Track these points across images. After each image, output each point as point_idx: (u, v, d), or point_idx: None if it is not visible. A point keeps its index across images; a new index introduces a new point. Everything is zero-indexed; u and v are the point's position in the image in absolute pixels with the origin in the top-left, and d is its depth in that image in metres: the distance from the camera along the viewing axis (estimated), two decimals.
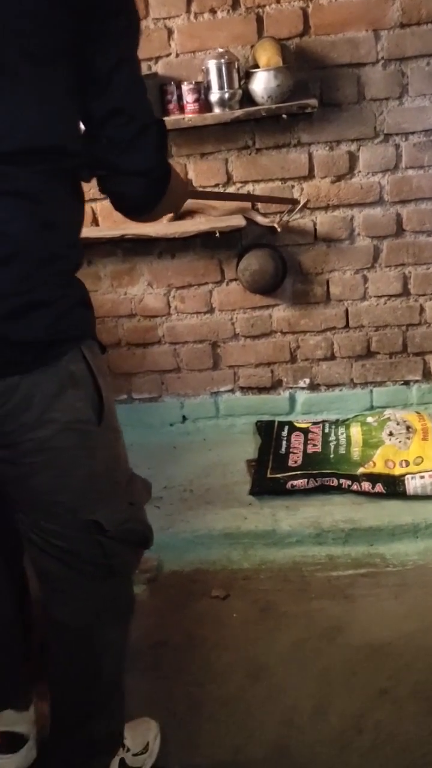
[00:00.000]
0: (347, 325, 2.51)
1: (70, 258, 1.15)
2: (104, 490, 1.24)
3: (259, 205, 2.34)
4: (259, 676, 1.72)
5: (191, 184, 2.31)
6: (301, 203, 2.30)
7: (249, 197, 2.32)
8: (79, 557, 1.25)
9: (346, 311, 2.49)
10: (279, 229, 2.31)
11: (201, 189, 2.31)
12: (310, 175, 2.31)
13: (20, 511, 1.25)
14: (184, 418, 2.70)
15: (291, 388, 2.63)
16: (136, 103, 1.11)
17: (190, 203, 2.35)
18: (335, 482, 2.20)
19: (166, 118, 2.16)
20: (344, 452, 2.32)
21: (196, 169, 2.32)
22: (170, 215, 2.25)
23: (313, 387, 2.62)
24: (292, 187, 2.30)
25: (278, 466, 2.31)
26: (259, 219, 2.32)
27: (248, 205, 2.34)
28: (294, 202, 2.30)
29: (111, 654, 1.39)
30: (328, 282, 2.45)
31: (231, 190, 2.35)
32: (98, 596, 1.32)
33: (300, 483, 2.21)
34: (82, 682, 1.38)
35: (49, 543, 1.24)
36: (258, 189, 2.34)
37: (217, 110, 2.14)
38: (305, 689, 1.67)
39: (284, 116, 2.15)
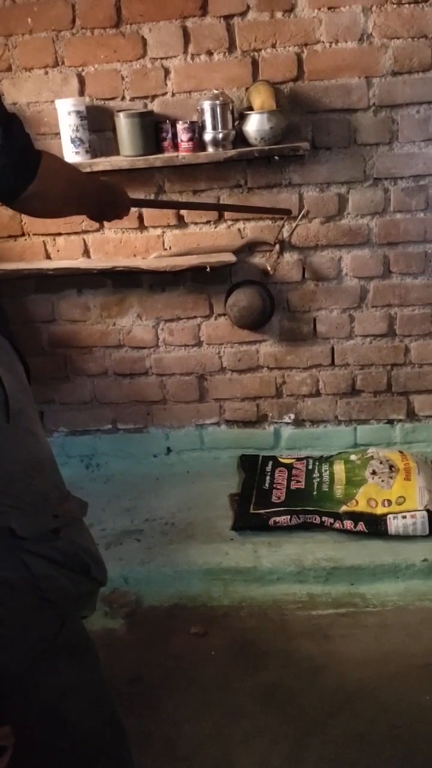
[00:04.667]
0: (333, 363, 2.53)
1: None
2: (21, 496, 1.13)
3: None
4: (236, 716, 1.70)
5: (181, 220, 2.34)
6: (300, 214, 2.31)
7: (239, 208, 2.33)
8: (2, 584, 1.12)
9: (332, 349, 2.51)
10: (272, 272, 2.37)
11: (197, 202, 2.35)
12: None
13: None
14: (169, 450, 2.70)
15: (276, 423, 2.64)
16: None
17: None
18: (318, 520, 2.20)
19: (160, 156, 2.21)
20: (327, 490, 2.32)
21: None
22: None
23: (298, 423, 2.63)
24: (282, 226, 2.34)
25: (261, 502, 2.31)
26: (256, 260, 2.38)
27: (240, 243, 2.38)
28: (285, 212, 2.30)
29: (73, 698, 1.21)
30: (315, 320, 2.48)
31: (222, 227, 2.38)
32: (35, 634, 1.17)
33: (283, 520, 2.21)
34: (52, 741, 1.21)
35: None
36: (249, 226, 2.37)
37: (210, 149, 2.18)
38: (282, 731, 1.65)
39: (276, 157, 2.20)
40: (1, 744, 1.52)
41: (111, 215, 1.60)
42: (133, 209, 2.25)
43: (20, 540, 1.11)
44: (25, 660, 1.16)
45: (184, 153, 2.19)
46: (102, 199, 1.53)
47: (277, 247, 2.36)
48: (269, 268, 2.37)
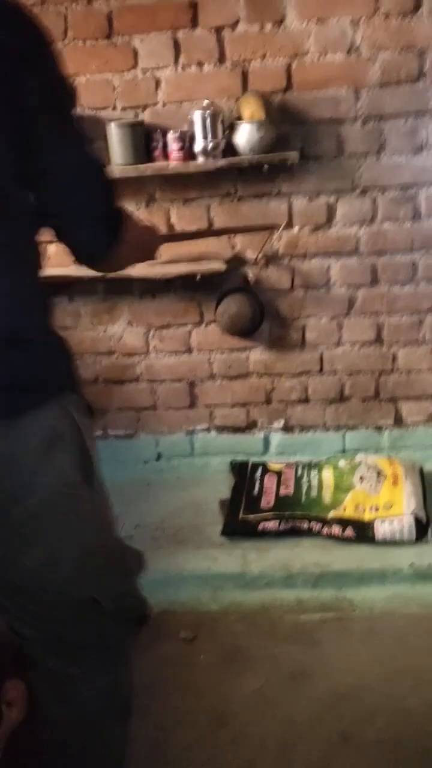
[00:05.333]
0: (322, 370, 2.55)
1: (43, 298, 1.11)
2: (98, 562, 1.13)
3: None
4: (224, 720, 1.72)
5: (172, 229, 2.36)
6: (278, 231, 2.33)
7: (226, 230, 2.37)
8: (74, 644, 1.13)
9: (321, 356, 2.54)
10: (252, 281, 2.40)
11: (179, 231, 2.37)
12: (290, 225, 2.37)
13: None
14: (159, 456, 2.71)
15: (266, 429, 2.66)
16: (77, 155, 1.09)
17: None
18: (306, 525, 2.22)
19: (150, 165, 2.23)
20: (316, 495, 2.34)
21: (178, 215, 2.38)
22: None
23: (288, 429, 2.65)
24: (266, 241, 2.36)
25: (250, 508, 2.33)
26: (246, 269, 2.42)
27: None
28: (272, 227, 2.33)
29: (113, 756, 1.27)
30: (304, 327, 2.50)
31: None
32: (99, 688, 1.19)
33: (271, 525, 2.23)
34: None
35: (38, 631, 1.12)
36: (238, 235, 2.39)
37: (200, 159, 2.21)
38: (270, 734, 1.67)
39: (266, 167, 2.22)
40: (11, 697, 1.52)
41: (144, 259, 1.45)
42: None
43: (99, 606, 1.12)
44: (86, 716, 1.20)
45: (174, 162, 2.22)
46: (148, 246, 1.40)
47: (262, 261, 2.40)
48: (251, 276, 2.40)
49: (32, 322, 1.07)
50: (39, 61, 1.03)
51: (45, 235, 1.14)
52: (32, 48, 1.02)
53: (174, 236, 2.31)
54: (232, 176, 2.32)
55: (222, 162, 2.20)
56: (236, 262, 2.41)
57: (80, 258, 1.19)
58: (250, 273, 2.41)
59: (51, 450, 1.03)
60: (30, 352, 1.03)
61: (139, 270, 2.37)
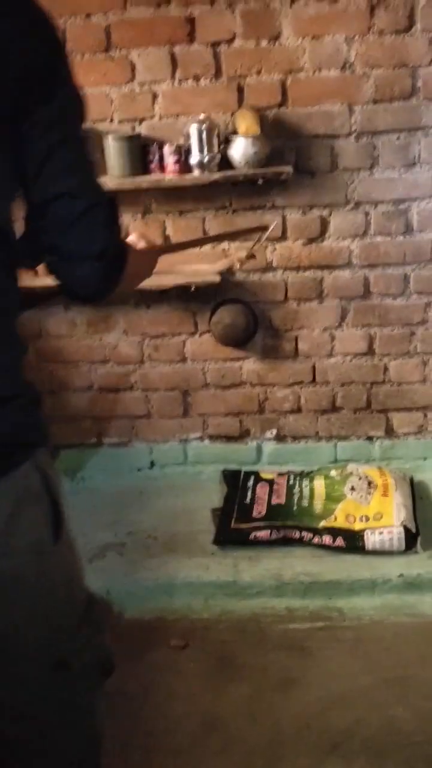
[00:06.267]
0: (314, 380, 2.58)
1: (20, 345, 1.02)
2: (66, 620, 1.08)
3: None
4: (214, 727, 1.74)
5: (167, 241, 2.38)
6: (268, 231, 2.24)
7: (219, 237, 2.37)
8: (40, 706, 1.08)
9: (314, 367, 2.57)
10: (239, 266, 2.40)
11: (175, 243, 2.39)
12: (283, 237, 2.41)
13: None
14: (153, 464, 2.74)
15: (258, 438, 2.69)
16: (79, 184, 0.99)
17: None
18: (297, 535, 2.24)
19: (147, 177, 2.26)
20: (307, 505, 2.36)
21: (174, 226, 2.41)
22: None
23: (280, 438, 2.68)
24: (266, 247, 2.39)
25: (242, 517, 2.35)
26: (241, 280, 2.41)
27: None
28: (263, 229, 2.29)
29: None
30: (296, 338, 2.53)
31: (207, 246, 2.43)
32: (63, 748, 1.14)
33: (263, 534, 2.25)
34: None
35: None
36: (233, 247, 2.42)
37: (196, 172, 2.24)
38: (258, 742, 1.69)
39: (260, 181, 2.25)
40: None
41: (141, 282, 1.34)
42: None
43: (66, 666, 1.08)
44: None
45: (170, 175, 2.25)
46: (143, 271, 1.32)
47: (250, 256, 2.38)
48: (237, 264, 2.39)
49: (13, 375, 0.99)
50: (60, 68, 0.95)
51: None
52: (53, 48, 0.95)
53: (170, 247, 2.33)
54: (227, 189, 2.35)
55: (217, 175, 2.23)
56: (229, 274, 2.44)
57: (73, 297, 1.10)
58: (237, 263, 2.40)
59: (21, 510, 0.97)
60: (9, 412, 0.97)
61: None
